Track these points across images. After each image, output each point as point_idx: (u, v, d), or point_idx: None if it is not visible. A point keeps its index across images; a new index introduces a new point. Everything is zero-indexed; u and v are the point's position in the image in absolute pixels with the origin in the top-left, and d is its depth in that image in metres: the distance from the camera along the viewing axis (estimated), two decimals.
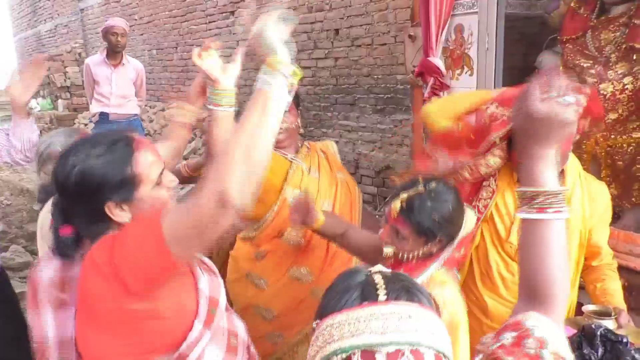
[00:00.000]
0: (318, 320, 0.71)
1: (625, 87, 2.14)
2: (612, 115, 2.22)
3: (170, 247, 0.96)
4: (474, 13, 2.55)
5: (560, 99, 0.79)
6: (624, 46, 2.15)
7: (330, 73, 5.21)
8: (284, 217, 1.88)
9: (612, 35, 2.18)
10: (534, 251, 0.85)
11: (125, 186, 1.08)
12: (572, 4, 2.39)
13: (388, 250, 1.35)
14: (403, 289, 0.72)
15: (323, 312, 0.72)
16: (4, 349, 2.12)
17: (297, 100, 1.99)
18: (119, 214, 1.08)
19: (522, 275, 0.89)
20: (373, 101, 5.08)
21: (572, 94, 0.80)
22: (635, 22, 2.15)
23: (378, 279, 0.74)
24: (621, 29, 2.14)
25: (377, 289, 0.71)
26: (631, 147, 2.21)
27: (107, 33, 4.02)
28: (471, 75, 2.66)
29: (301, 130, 2.05)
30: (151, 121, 7.56)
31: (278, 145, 1.91)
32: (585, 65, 2.27)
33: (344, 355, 0.64)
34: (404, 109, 4.81)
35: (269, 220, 1.92)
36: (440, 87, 2.73)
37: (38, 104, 9.20)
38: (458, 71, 2.71)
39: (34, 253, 4.05)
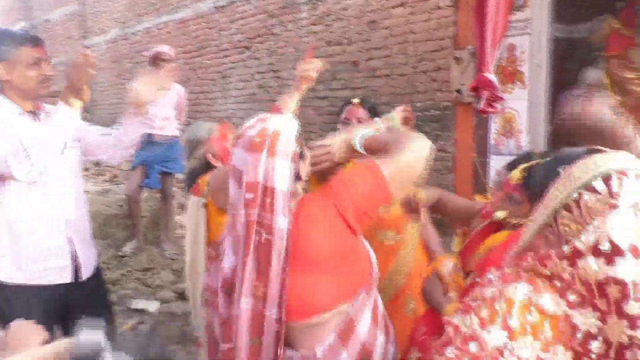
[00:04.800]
0: (564, 166, 0.92)
1: None
2: None
3: (387, 184, 1.22)
4: (526, 34, 2.88)
5: None
6: None
7: None
8: None
9: None
10: None
11: None
12: (615, 26, 2.75)
13: (500, 215, 1.51)
14: None
15: (563, 163, 0.95)
16: None
17: None
18: None
19: None
20: None
21: None
22: None
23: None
24: None
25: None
26: None
27: (156, 59, 4.17)
28: (523, 89, 2.96)
29: None
30: None
31: None
32: (629, 76, 2.60)
33: (600, 179, 0.83)
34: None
35: None
36: (495, 99, 3.01)
37: None
38: (510, 85, 3.01)
39: None
